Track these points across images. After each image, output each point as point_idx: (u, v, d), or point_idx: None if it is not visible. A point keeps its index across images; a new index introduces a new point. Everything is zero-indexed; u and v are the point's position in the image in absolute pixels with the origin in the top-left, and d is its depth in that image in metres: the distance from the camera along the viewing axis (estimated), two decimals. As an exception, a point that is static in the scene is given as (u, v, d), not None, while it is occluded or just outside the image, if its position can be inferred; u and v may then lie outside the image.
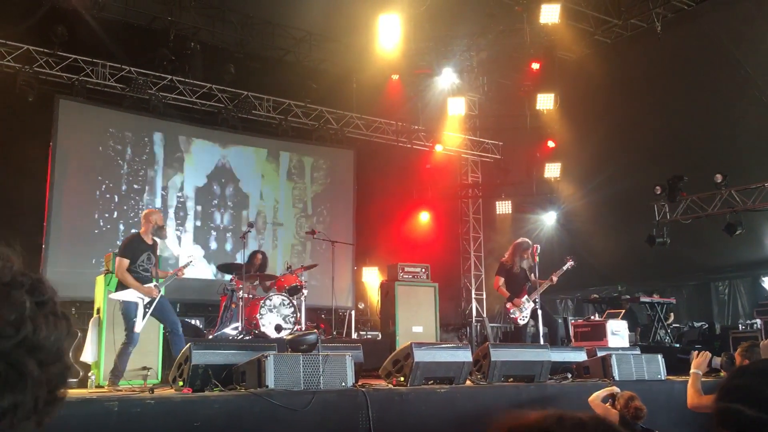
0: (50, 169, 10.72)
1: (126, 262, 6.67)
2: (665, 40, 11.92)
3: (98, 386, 6.84)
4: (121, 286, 6.69)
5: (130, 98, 11.53)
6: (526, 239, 9.12)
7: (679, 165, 11.76)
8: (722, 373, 5.85)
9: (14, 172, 10.45)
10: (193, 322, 10.59)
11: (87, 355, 7.11)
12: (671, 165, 11.84)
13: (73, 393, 5.71)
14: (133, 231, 7.12)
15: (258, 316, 8.96)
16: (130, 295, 6.64)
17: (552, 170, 13.45)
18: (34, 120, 10.69)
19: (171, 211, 12.02)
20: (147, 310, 6.69)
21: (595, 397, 5.44)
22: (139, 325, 6.60)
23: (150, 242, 6.93)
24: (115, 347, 6.71)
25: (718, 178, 10.82)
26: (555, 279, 8.57)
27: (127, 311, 6.62)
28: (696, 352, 5.12)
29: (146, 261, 6.81)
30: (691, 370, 4.95)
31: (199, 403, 4.86)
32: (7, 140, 10.31)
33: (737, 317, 12.60)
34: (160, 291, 6.82)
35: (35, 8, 10.63)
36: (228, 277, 10.14)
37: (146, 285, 6.69)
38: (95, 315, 7.40)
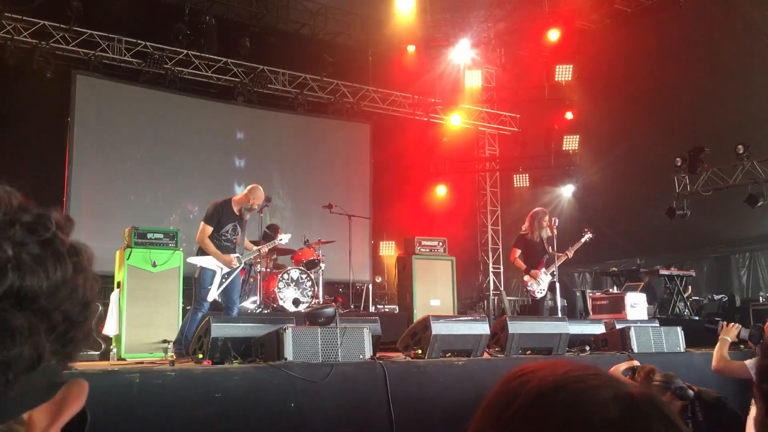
0: (68, 144, 10.80)
1: (209, 229, 6.67)
2: (686, 7, 11.67)
3: (120, 359, 6.93)
4: (202, 251, 6.71)
5: (147, 73, 11.53)
6: (542, 208, 9.08)
7: (700, 136, 11.58)
8: (743, 346, 5.81)
9: (33, 148, 10.53)
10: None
11: (108, 329, 7.20)
12: (692, 136, 11.65)
13: (95, 365, 5.79)
14: (225, 198, 7.07)
15: (276, 289, 9.01)
16: (209, 262, 6.66)
17: (570, 142, 13.32)
18: (52, 95, 10.73)
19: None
20: (224, 280, 6.70)
21: (615, 369, 5.42)
22: (213, 294, 6.64)
23: (238, 213, 6.89)
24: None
25: (740, 149, 10.64)
26: (571, 254, 8.54)
27: (203, 278, 6.66)
28: (724, 322, 5.10)
29: (231, 232, 6.78)
30: (721, 336, 4.96)
31: (219, 375, 4.91)
32: (26, 116, 10.37)
33: (758, 289, 12.46)
34: (241, 263, 6.84)
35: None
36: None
37: (227, 255, 6.69)
38: (116, 289, 7.48)
